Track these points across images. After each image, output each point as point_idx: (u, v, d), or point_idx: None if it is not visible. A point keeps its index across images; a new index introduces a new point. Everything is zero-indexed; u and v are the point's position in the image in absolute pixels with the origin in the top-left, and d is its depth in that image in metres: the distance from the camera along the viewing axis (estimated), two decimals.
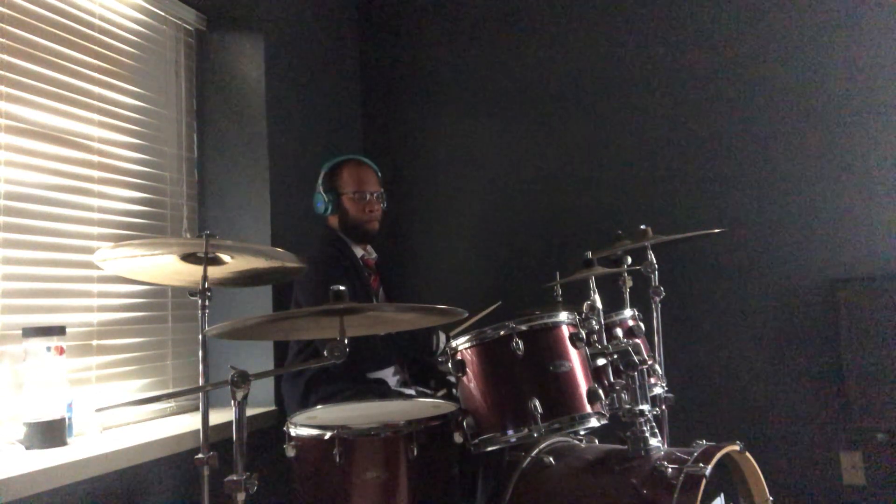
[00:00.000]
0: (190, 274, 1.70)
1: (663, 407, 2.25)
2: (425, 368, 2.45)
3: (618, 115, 2.99)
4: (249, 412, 2.21)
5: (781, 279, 2.73)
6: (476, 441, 1.69)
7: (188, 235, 2.48)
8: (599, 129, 3.01)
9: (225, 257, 1.69)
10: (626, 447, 1.73)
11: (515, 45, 3.17)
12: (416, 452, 1.57)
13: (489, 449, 1.68)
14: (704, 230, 2.42)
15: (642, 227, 2.32)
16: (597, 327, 1.85)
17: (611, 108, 3.00)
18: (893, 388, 2.45)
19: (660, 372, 2.10)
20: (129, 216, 2.24)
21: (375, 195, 2.43)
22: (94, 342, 2.07)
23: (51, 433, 1.73)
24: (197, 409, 2.29)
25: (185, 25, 2.56)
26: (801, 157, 2.74)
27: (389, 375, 2.33)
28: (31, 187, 1.89)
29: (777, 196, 2.76)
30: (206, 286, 1.64)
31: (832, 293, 2.63)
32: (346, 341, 1.37)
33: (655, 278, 2.31)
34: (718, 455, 1.60)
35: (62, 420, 1.76)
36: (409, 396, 2.22)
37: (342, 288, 1.37)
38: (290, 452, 1.64)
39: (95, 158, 2.12)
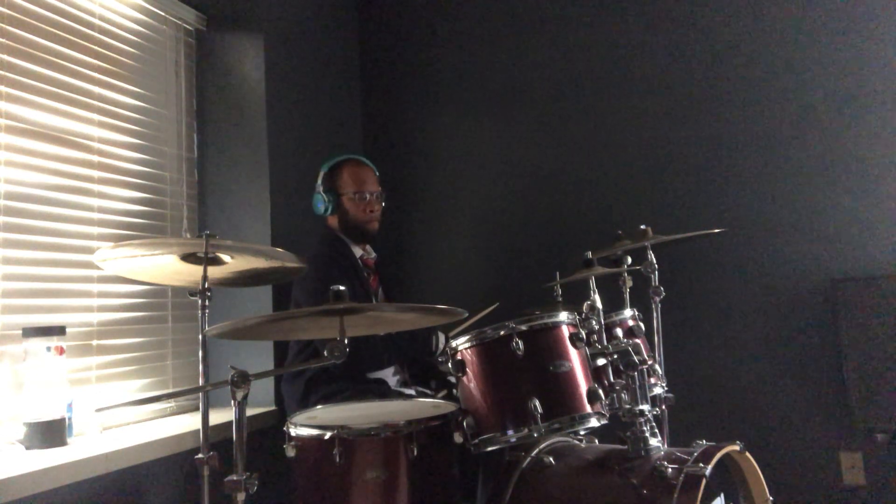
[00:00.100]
0: (190, 274, 1.70)
1: (663, 407, 2.24)
2: (426, 369, 2.46)
3: (618, 115, 2.99)
4: (249, 412, 2.22)
5: (781, 279, 2.73)
6: (476, 441, 1.69)
7: (188, 235, 2.48)
8: (599, 128, 3.01)
9: (225, 257, 1.69)
10: (626, 447, 1.72)
11: (515, 44, 3.17)
12: (416, 452, 1.57)
13: (489, 449, 1.68)
14: (704, 230, 2.42)
15: (642, 227, 2.32)
16: (597, 327, 1.85)
17: (611, 108, 3.00)
18: (893, 388, 2.45)
19: (660, 372, 2.10)
20: (129, 216, 2.24)
21: (375, 195, 2.43)
22: (94, 342, 2.07)
23: (51, 433, 1.73)
24: (197, 409, 2.29)
25: (185, 25, 2.56)
26: (801, 157, 2.74)
27: (389, 375, 2.33)
28: (31, 187, 1.89)
29: (777, 196, 2.76)
30: (206, 286, 1.64)
31: (832, 293, 2.63)
32: (346, 341, 1.37)
33: (655, 278, 2.31)
34: (718, 455, 1.60)
35: (62, 420, 1.76)
36: (409, 396, 2.22)
37: (342, 288, 1.37)
38: (290, 452, 1.64)
39: (95, 158, 2.12)
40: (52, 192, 1.96)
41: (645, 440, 1.70)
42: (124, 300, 2.21)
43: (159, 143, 2.41)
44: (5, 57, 1.84)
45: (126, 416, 2.12)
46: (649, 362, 1.86)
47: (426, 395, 2.29)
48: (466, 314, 1.53)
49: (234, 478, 1.35)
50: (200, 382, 1.62)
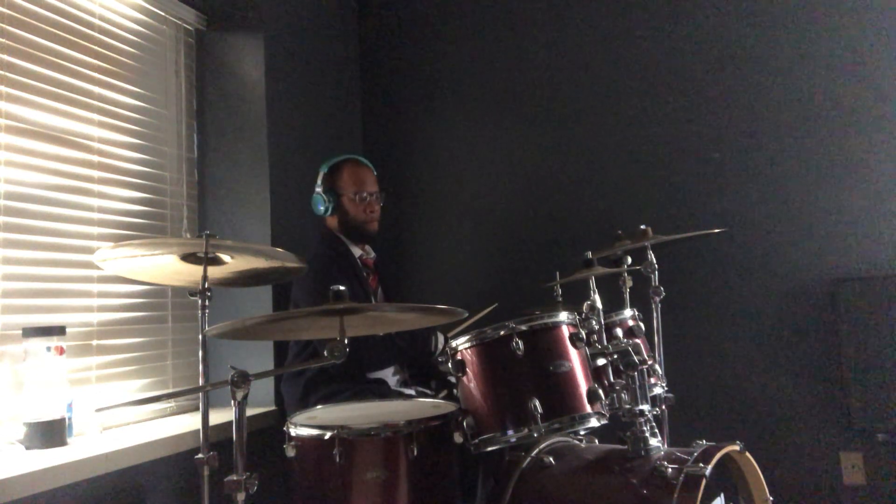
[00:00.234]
0: (190, 274, 1.70)
1: (663, 407, 2.24)
2: (426, 369, 2.45)
3: (618, 116, 2.99)
4: (249, 412, 2.22)
5: (781, 279, 2.73)
6: (476, 441, 1.69)
7: (188, 235, 2.48)
8: (599, 128, 3.01)
9: (225, 257, 1.69)
10: (626, 447, 1.72)
11: (515, 44, 3.17)
12: (416, 452, 1.57)
13: (489, 449, 1.68)
14: (704, 230, 2.42)
15: (642, 227, 2.32)
16: (597, 327, 1.85)
17: (611, 108, 3.00)
18: (893, 388, 2.45)
19: (660, 372, 2.10)
20: (129, 216, 2.24)
21: (374, 195, 2.43)
22: (94, 342, 2.07)
23: (51, 433, 1.73)
24: (197, 409, 2.29)
25: (185, 25, 2.56)
26: (802, 156, 2.74)
27: (389, 375, 2.33)
28: (31, 187, 1.89)
29: (777, 196, 2.75)
30: (206, 286, 1.64)
31: (832, 293, 2.63)
32: (345, 341, 1.36)
33: (655, 278, 2.31)
34: (718, 455, 1.60)
35: (62, 420, 1.76)
36: (409, 396, 2.22)
37: (342, 288, 1.37)
38: (290, 452, 1.64)
39: (95, 158, 2.12)
40: (52, 192, 1.96)
41: (645, 440, 1.70)
42: (124, 300, 2.21)
43: (159, 143, 2.41)
44: (5, 57, 1.84)
45: (126, 416, 2.12)
46: (649, 362, 1.86)
47: (426, 395, 2.29)
48: (466, 314, 1.53)
49: (234, 478, 1.35)
50: (200, 382, 1.62)
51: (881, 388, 2.46)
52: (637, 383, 1.75)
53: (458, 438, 1.67)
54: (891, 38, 2.65)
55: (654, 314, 2.31)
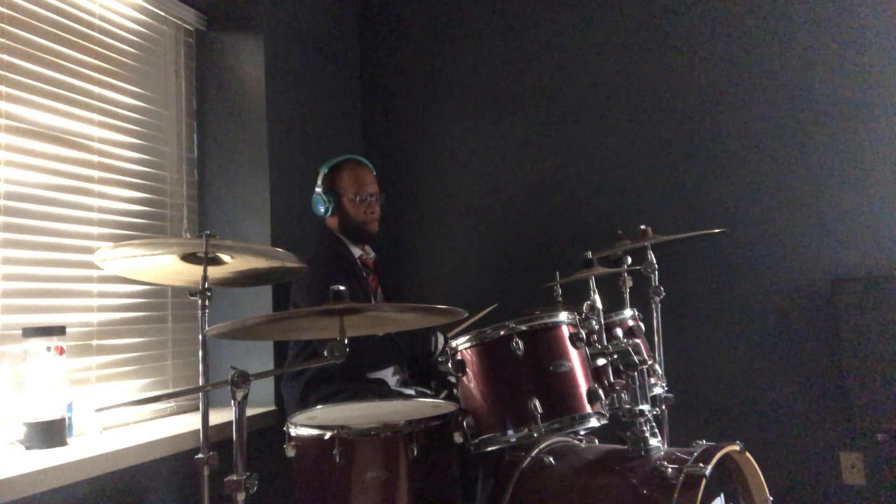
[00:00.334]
0: (190, 274, 1.70)
1: (663, 407, 2.24)
2: (426, 370, 2.45)
3: (618, 116, 2.99)
4: (249, 412, 2.22)
5: (781, 279, 2.73)
6: (476, 441, 1.68)
7: (188, 235, 2.48)
8: (599, 129, 3.01)
9: (225, 257, 1.69)
10: (626, 447, 1.72)
11: (515, 45, 3.17)
12: (416, 452, 1.57)
13: (489, 449, 1.68)
14: (704, 230, 2.42)
15: (642, 227, 2.32)
16: (597, 327, 1.85)
17: (611, 109, 3.00)
18: (893, 388, 2.45)
19: (660, 372, 2.10)
20: (129, 216, 2.24)
21: (374, 196, 2.43)
22: (94, 342, 2.07)
23: (51, 433, 1.73)
24: (197, 409, 2.29)
25: (185, 25, 2.56)
26: (802, 156, 2.74)
27: (389, 375, 2.33)
28: (31, 187, 1.89)
29: (777, 196, 2.75)
30: (206, 286, 1.64)
31: (832, 293, 2.63)
32: (345, 341, 1.36)
33: (655, 278, 2.31)
34: (718, 455, 1.60)
35: (62, 420, 1.76)
36: (409, 396, 2.22)
37: (342, 288, 1.37)
38: (290, 452, 1.64)
39: (95, 158, 2.12)
40: (52, 192, 1.96)
41: (645, 440, 1.70)
42: (124, 300, 2.21)
43: (159, 143, 2.41)
44: (5, 57, 1.84)
45: (126, 416, 2.12)
46: (649, 362, 1.86)
47: (426, 395, 2.29)
48: (466, 314, 1.53)
49: (234, 478, 1.35)
50: (200, 382, 1.62)
51: (881, 388, 2.46)
52: (637, 383, 1.75)
53: (458, 438, 1.67)
54: (891, 37, 2.65)
55: (654, 314, 2.31)
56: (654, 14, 2.96)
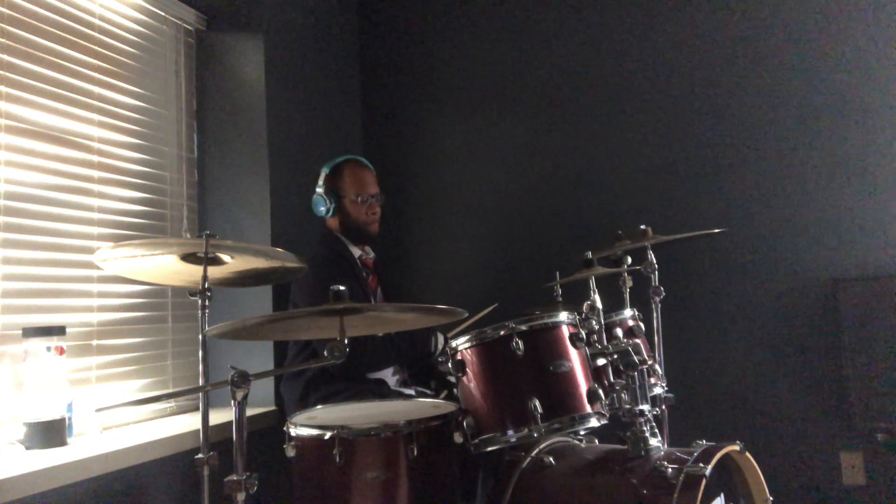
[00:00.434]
0: (190, 274, 1.70)
1: (663, 407, 2.25)
2: (426, 370, 2.45)
3: (618, 115, 2.99)
4: (249, 412, 2.22)
5: (781, 279, 2.73)
6: (476, 441, 1.69)
7: (188, 235, 2.48)
8: (600, 129, 3.01)
9: (225, 257, 1.69)
10: (626, 447, 1.72)
11: (515, 45, 3.17)
12: (416, 452, 1.57)
13: (489, 449, 1.68)
14: (704, 230, 2.42)
15: (642, 227, 2.32)
16: (597, 327, 1.85)
17: (611, 108, 3.00)
18: (893, 388, 2.45)
19: (660, 372, 2.10)
20: (129, 216, 2.24)
21: (375, 197, 2.43)
22: (94, 342, 2.07)
23: (51, 433, 1.73)
24: (197, 409, 2.29)
25: (185, 25, 2.56)
26: (802, 156, 2.74)
27: (389, 375, 2.33)
28: (31, 187, 1.89)
29: (777, 196, 2.76)
30: (206, 286, 1.64)
31: (832, 293, 2.63)
32: (345, 341, 1.36)
33: (655, 278, 2.31)
34: (718, 455, 1.60)
35: (62, 420, 1.76)
36: (409, 396, 2.22)
37: (342, 288, 1.37)
38: (290, 452, 1.64)
39: (95, 158, 2.12)
40: (52, 192, 1.96)
41: (645, 440, 1.70)
42: (124, 300, 2.21)
43: (159, 143, 2.41)
44: (5, 57, 1.84)
45: (126, 416, 2.12)
46: (649, 362, 1.86)
47: (426, 395, 2.29)
48: (466, 314, 1.53)
49: (234, 478, 1.35)
50: (200, 382, 1.62)
51: (881, 388, 2.46)
52: (637, 383, 1.75)
53: (458, 438, 1.67)
54: (891, 37, 2.65)
55: (654, 314, 2.31)
56: (654, 14, 2.96)
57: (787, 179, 2.75)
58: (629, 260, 2.25)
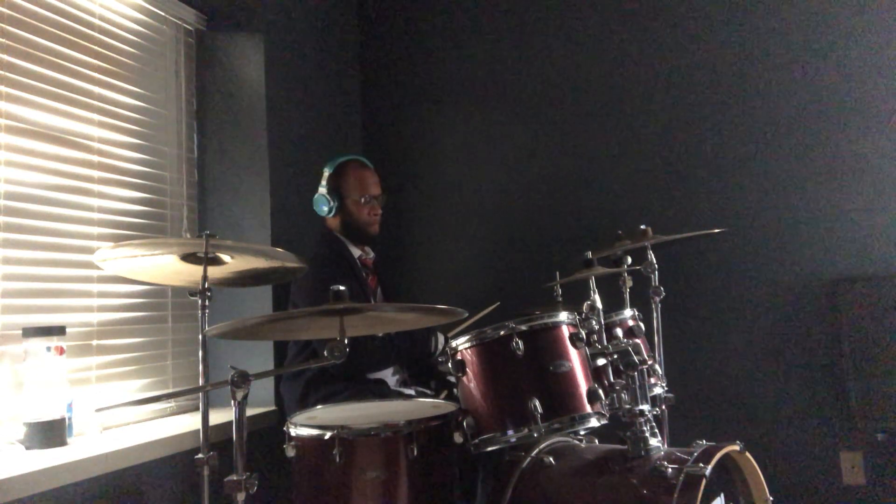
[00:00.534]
0: (190, 274, 1.70)
1: (663, 407, 2.24)
2: (425, 370, 2.45)
3: (618, 116, 2.99)
4: (249, 412, 2.21)
5: (781, 279, 2.73)
6: (476, 441, 1.69)
7: (188, 235, 2.48)
8: (600, 129, 3.01)
9: (225, 257, 1.69)
10: (626, 447, 1.72)
11: (515, 44, 3.17)
12: (416, 452, 1.57)
13: (489, 449, 1.68)
14: (704, 230, 2.42)
15: (642, 227, 2.32)
16: (597, 327, 1.85)
17: (611, 109, 3.00)
18: (893, 388, 2.45)
19: (660, 372, 2.10)
20: (129, 216, 2.24)
21: (378, 199, 2.43)
22: (94, 342, 2.07)
23: (51, 433, 1.73)
24: (197, 409, 2.29)
25: (185, 25, 2.56)
26: (801, 157, 2.74)
27: (389, 375, 2.33)
28: (31, 187, 1.89)
29: (777, 196, 2.76)
30: (206, 286, 1.64)
31: (832, 293, 2.63)
32: (345, 341, 1.36)
33: (655, 278, 2.31)
34: (718, 455, 1.60)
35: (62, 420, 1.76)
36: (409, 396, 2.22)
37: (342, 288, 1.37)
38: (290, 452, 1.64)
39: (95, 158, 2.12)
40: (52, 192, 1.96)
41: (645, 440, 1.70)
42: (124, 300, 2.21)
43: (159, 143, 2.41)
44: (5, 57, 1.84)
45: (126, 416, 2.12)
46: (649, 362, 1.86)
47: (426, 395, 2.29)
48: (466, 314, 1.53)
49: (234, 478, 1.35)
50: (200, 382, 1.62)
51: (881, 388, 2.46)
52: (637, 383, 1.74)
53: (458, 438, 1.67)
54: (891, 37, 2.65)
55: (654, 314, 2.31)
56: (654, 15, 2.96)
57: (787, 179, 2.75)
58: (629, 260, 2.25)
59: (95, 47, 2.15)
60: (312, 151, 2.85)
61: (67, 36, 2.04)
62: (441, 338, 2.34)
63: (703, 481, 1.51)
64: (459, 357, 1.76)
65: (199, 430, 1.64)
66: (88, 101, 2.11)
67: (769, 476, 1.80)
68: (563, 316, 1.77)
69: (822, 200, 2.70)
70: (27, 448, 1.69)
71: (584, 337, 1.77)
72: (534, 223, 3.07)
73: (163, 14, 2.45)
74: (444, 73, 3.28)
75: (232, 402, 1.33)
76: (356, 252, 2.43)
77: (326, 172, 2.41)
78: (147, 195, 2.33)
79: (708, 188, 2.84)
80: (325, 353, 1.35)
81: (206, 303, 1.64)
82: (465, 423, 1.68)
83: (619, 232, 2.36)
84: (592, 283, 1.88)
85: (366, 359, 2.19)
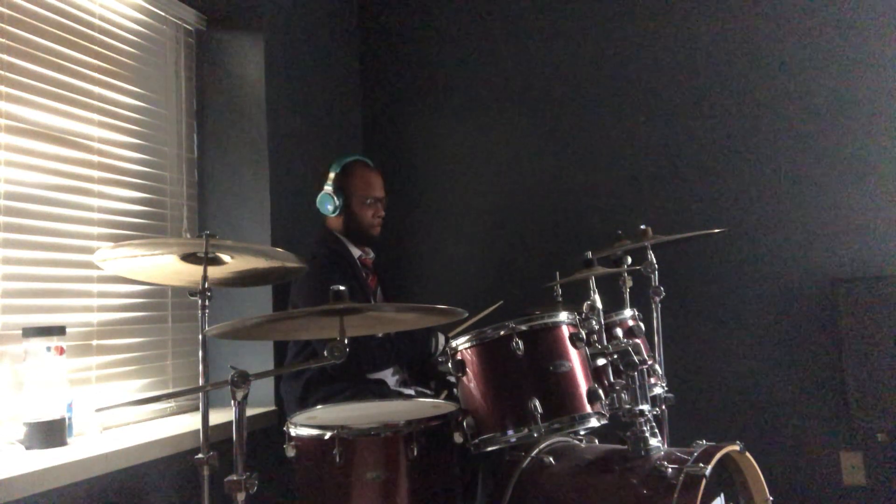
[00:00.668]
0: (190, 274, 1.70)
1: (663, 407, 2.24)
2: (425, 370, 2.45)
3: (618, 116, 2.99)
4: (249, 412, 2.21)
5: (781, 279, 2.73)
6: (476, 441, 1.68)
7: (188, 235, 2.48)
8: (600, 129, 3.01)
9: (225, 257, 1.69)
10: (626, 447, 1.72)
11: (516, 45, 3.17)
12: (416, 452, 1.57)
13: (489, 449, 1.68)
14: (704, 230, 2.42)
15: (642, 227, 2.32)
16: (597, 327, 1.85)
17: (611, 109, 3.00)
18: (893, 388, 2.45)
19: (660, 372, 2.10)
20: (129, 216, 2.24)
21: (382, 201, 2.44)
22: (94, 342, 2.07)
23: (51, 433, 1.73)
24: (197, 409, 2.29)
25: (185, 25, 2.56)
26: (802, 156, 2.74)
27: (389, 375, 2.33)
28: (31, 187, 1.89)
29: (777, 196, 2.76)
30: (206, 286, 1.64)
31: (832, 293, 2.63)
32: (345, 341, 1.36)
33: (655, 278, 2.31)
34: (718, 455, 1.60)
35: (62, 420, 1.76)
36: (409, 396, 2.22)
37: (342, 288, 1.37)
38: (290, 452, 1.64)
39: (95, 158, 2.12)
40: (52, 192, 1.96)
41: (645, 440, 1.70)
42: (124, 300, 2.21)
43: (159, 143, 2.41)
44: (5, 57, 1.84)
45: (126, 416, 2.12)
46: (649, 362, 1.86)
47: (426, 395, 2.29)
48: (466, 314, 1.53)
49: (234, 478, 1.35)
50: (200, 382, 1.62)
51: (881, 388, 2.46)
52: (637, 383, 1.74)
53: (458, 438, 1.67)
54: (891, 37, 2.65)
55: (654, 314, 2.31)
56: (654, 15, 2.96)
57: (787, 179, 2.75)
58: (629, 260, 2.25)
59: (95, 47, 2.15)
60: (312, 151, 2.86)
61: (67, 36, 2.04)
62: (441, 338, 2.34)
63: (703, 481, 1.51)
64: (459, 357, 1.76)
65: (199, 430, 1.64)
66: (88, 101, 2.11)
67: (769, 476, 1.80)
68: (563, 316, 1.77)
69: (822, 200, 2.70)
70: (27, 448, 1.69)
71: (584, 337, 1.77)
72: (534, 223, 3.08)
73: (163, 14, 2.45)
74: (444, 73, 3.28)
75: (232, 402, 1.33)
76: (356, 252, 2.43)
77: (333, 171, 2.40)
78: (147, 195, 2.33)
79: (708, 188, 2.84)
80: (325, 353, 1.35)
81: (206, 303, 1.64)
82: (465, 423, 1.68)
83: (619, 232, 2.36)
84: (592, 283, 1.88)
85: (366, 359, 2.19)
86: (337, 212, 2.39)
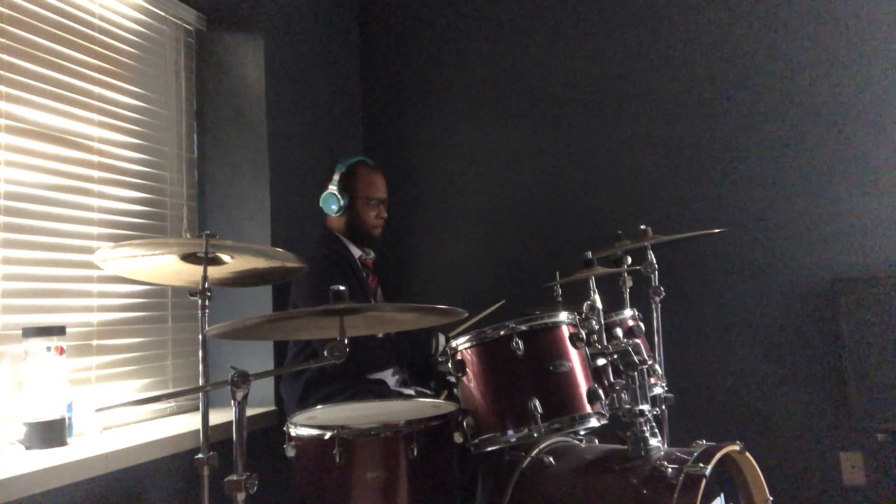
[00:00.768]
0: (190, 274, 1.70)
1: (663, 407, 2.24)
2: (425, 370, 2.45)
3: (618, 116, 2.99)
4: (249, 412, 2.22)
5: (781, 279, 2.73)
6: (476, 441, 1.69)
7: (188, 235, 2.48)
8: (600, 129, 3.01)
9: (225, 257, 1.69)
10: (626, 447, 1.72)
11: (516, 44, 3.17)
12: (416, 452, 1.57)
13: (489, 449, 1.68)
14: (704, 230, 2.42)
15: (642, 227, 2.32)
16: (597, 327, 1.85)
17: (611, 109, 3.00)
18: (893, 388, 2.45)
19: (660, 372, 2.10)
20: (129, 216, 2.24)
21: (384, 202, 2.44)
22: (94, 342, 2.07)
23: (51, 433, 1.73)
24: (197, 409, 2.29)
25: (185, 25, 2.56)
26: (802, 156, 2.74)
27: (389, 375, 2.33)
28: (31, 187, 1.89)
29: (777, 196, 2.76)
30: (206, 286, 1.64)
31: (832, 293, 2.63)
32: (345, 341, 1.36)
33: (655, 278, 2.31)
34: (718, 455, 1.60)
35: (62, 420, 1.76)
36: (409, 396, 2.22)
37: (342, 288, 1.37)
38: (290, 452, 1.64)
39: (95, 158, 2.12)
40: (52, 192, 1.96)
41: (645, 440, 1.70)
42: (124, 300, 2.21)
43: (159, 143, 2.41)
44: (5, 57, 1.84)
45: (126, 416, 2.12)
46: (649, 362, 1.86)
47: (426, 395, 2.29)
48: (466, 314, 1.53)
49: (234, 478, 1.35)
50: (200, 382, 1.62)
51: (881, 388, 2.46)
52: (637, 383, 1.74)
53: (458, 438, 1.67)
54: (891, 38, 2.65)
55: (654, 314, 2.31)
56: (654, 15, 2.96)
57: (787, 179, 2.75)
58: (629, 260, 2.25)
59: (95, 47, 2.15)
60: (312, 151, 2.86)
61: (67, 36, 2.04)
62: (442, 338, 2.34)
63: (703, 481, 1.51)
64: (459, 357, 1.76)
65: (199, 430, 1.64)
66: (88, 101, 2.11)
67: (769, 476, 1.80)
68: (563, 316, 1.77)
69: (822, 200, 2.70)
70: (27, 448, 1.69)
71: (584, 337, 1.77)
72: (534, 223, 3.08)
73: (163, 14, 2.45)
74: (444, 73, 3.28)
75: (232, 402, 1.33)
76: (356, 252, 2.43)
77: (339, 171, 2.40)
78: (147, 195, 2.33)
79: (708, 188, 2.84)
80: (325, 353, 1.35)
81: (206, 303, 1.64)
82: (465, 423, 1.68)
83: (619, 232, 2.36)
84: (592, 283, 1.88)
85: (366, 359, 2.19)
86: (341, 211, 2.39)
